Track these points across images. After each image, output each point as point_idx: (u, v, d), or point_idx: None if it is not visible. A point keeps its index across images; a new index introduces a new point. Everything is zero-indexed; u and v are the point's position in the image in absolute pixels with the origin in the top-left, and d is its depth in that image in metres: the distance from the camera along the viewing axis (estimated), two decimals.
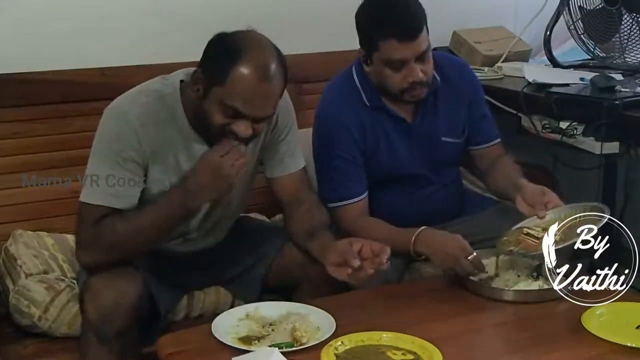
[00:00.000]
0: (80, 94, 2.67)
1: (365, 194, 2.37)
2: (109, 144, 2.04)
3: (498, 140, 2.53)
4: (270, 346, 1.83)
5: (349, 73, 2.42)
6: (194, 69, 2.06)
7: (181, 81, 2.10)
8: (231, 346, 1.84)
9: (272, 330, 1.91)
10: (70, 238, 2.53)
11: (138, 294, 2.01)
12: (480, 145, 2.51)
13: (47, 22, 2.66)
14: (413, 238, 2.21)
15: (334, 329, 1.89)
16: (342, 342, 1.83)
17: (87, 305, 2.01)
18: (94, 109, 2.60)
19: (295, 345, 1.84)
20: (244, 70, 1.93)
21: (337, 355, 1.79)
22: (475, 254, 2.11)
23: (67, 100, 2.66)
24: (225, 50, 1.97)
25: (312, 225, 2.17)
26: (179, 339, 1.96)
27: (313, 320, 1.93)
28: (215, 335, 1.87)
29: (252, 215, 2.61)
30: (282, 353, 1.79)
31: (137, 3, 2.79)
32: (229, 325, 1.93)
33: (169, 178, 2.10)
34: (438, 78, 2.40)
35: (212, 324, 1.91)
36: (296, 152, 2.28)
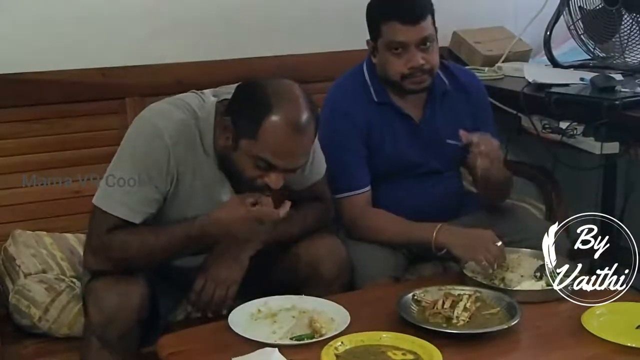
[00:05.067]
0: (80, 94, 2.67)
1: (368, 187, 2.39)
2: (139, 157, 2.01)
3: None
4: (291, 338, 1.87)
5: (360, 68, 2.45)
6: (230, 92, 2.04)
7: (217, 101, 2.08)
8: (234, 344, 1.85)
9: (275, 320, 1.96)
10: (70, 237, 2.53)
11: (141, 297, 2.00)
12: None
13: (47, 23, 2.66)
14: (435, 231, 2.23)
15: (349, 320, 1.91)
16: (342, 342, 1.83)
17: (90, 309, 2.00)
18: (94, 109, 2.63)
19: (315, 336, 1.87)
20: (275, 124, 1.90)
21: (337, 355, 1.79)
22: (500, 242, 2.17)
23: (67, 100, 2.65)
24: (255, 102, 1.94)
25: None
26: (179, 339, 1.96)
27: (326, 312, 1.97)
28: (236, 331, 1.89)
29: None
30: (302, 345, 1.83)
31: (137, 3, 2.79)
32: (245, 320, 1.96)
33: (190, 199, 2.08)
34: (446, 81, 2.44)
35: (229, 319, 1.94)
36: (314, 163, 2.23)
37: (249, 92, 1.98)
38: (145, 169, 2.00)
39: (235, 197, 2.03)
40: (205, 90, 2.13)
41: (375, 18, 2.33)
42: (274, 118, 1.90)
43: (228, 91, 2.07)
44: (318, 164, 2.26)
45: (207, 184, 2.08)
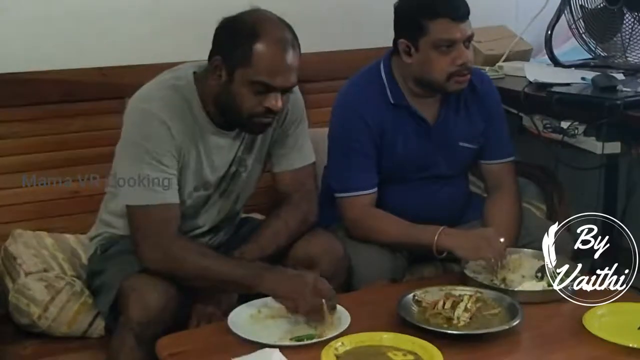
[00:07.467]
0: (80, 94, 2.66)
1: (375, 190, 2.37)
2: (143, 144, 2.05)
3: (509, 159, 2.51)
4: (291, 339, 1.87)
5: (376, 68, 2.40)
6: (201, 62, 2.11)
7: (193, 73, 2.13)
8: (234, 345, 1.85)
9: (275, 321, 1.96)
10: (70, 238, 2.53)
11: (180, 298, 2.01)
12: (490, 160, 2.51)
13: (47, 22, 2.66)
14: (437, 233, 2.23)
15: (349, 321, 1.91)
16: (342, 343, 1.83)
17: (132, 306, 1.98)
18: (94, 108, 2.63)
19: (315, 337, 1.87)
20: (266, 45, 2.01)
21: (337, 356, 1.79)
22: (503, 239, 2.17)
23: (67, 100, 2.65)
24: (240, 33, 2.04)
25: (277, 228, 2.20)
26: (179, 339, 1.96)
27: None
28: (235, 332, 1.89)
29: (253, 215, 2.60)
30: (302, 346, 1.83)
31: (137, 3, 2.79)
32: (245, 321, 1.96)
33: (190, 170, 2.13)
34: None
35: (228, 320, 1.93)
36: (304, 148, 2.30)
37: (230, 27, 2.07)
38: (155, 150, 2.04)
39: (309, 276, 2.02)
40: (180, 65, 2.20)
41: (419, 16, 2.26)
42: (263, 41, 2.01)
43: (201, 64, 2.15)
44: (308, 149, 2.31)
45: (201, 153, 2.13)
